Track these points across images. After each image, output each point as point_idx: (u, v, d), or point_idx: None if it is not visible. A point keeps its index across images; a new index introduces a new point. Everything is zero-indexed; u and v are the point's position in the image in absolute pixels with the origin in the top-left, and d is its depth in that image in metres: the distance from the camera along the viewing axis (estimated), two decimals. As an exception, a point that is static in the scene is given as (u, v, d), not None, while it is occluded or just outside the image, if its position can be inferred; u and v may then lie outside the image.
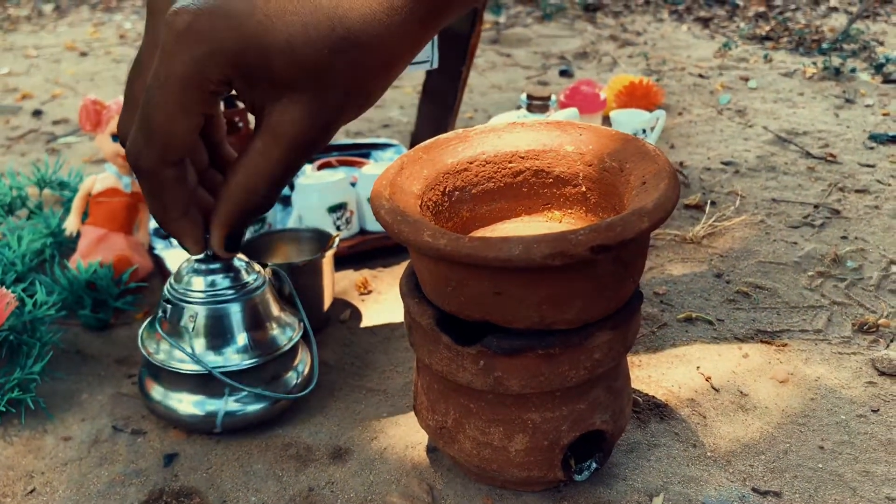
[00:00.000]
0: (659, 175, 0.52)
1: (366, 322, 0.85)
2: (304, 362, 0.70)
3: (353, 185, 0.99)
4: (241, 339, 0.65)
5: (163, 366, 0.64)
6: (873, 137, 1.39)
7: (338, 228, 0.95)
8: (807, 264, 0.95)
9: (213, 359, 0.64)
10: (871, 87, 1.72)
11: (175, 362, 0.64)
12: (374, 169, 1.00)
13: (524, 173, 0.62)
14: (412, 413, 0.69)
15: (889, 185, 1.19)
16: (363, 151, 1.21)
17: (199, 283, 0.65)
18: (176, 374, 0.64)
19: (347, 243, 0.95)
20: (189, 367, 0.63)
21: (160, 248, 0.94)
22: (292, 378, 0.68)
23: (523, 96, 1.13)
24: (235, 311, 0.65)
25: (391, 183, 0.55)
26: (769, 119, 1.52)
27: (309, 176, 0.97)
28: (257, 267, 0.69)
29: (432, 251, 0.48)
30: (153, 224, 0.97)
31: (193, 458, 0.64)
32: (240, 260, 0.68)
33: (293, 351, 0.69)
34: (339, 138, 1.42)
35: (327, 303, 0.82)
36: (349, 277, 0.94)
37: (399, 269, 0.96)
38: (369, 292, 0.91)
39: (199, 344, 0.64)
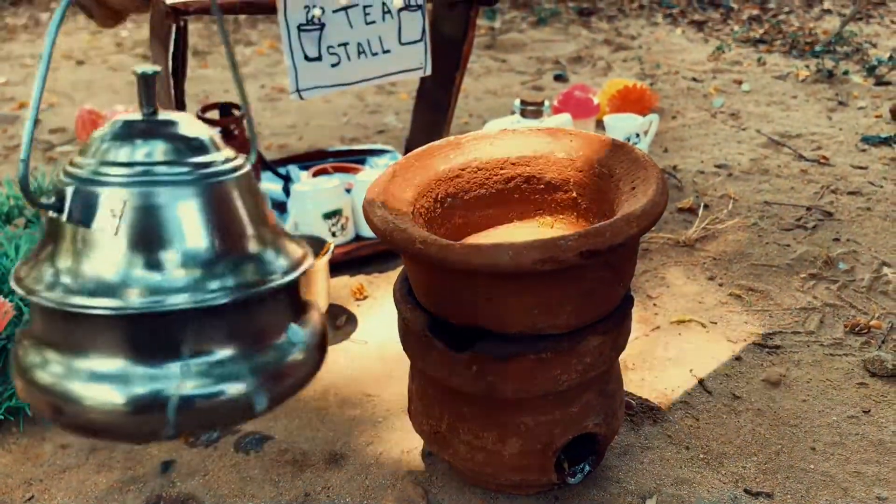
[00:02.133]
0: (648, 180, 0.53)
1: (361, 327, 0.86)
2: (313, 324, 0.44)
3: (348, 191, 1.00)
4: (201, 247, 0.38)
5: (61, 307, 0.37)
6: (866, 139, 1.40)
7: (333, 235, 0.96)
8: (799, 266, 0.96)
9: (147, 279, 0.37)
10: (864, 90, 1.73)
11: (85, 297, 0.37)
12: (369, 175, 1.01)
13: (516, 180, 0.63)
14: (407, 418, 0.69)
15: (881, 186, 1.20)
16: (359, 158, 1.21)
17: (125, 153, 0.40)
18: (89, 320, 0.37)
19: (343, 249, 0.96)
20: (112, 302, 0.37)
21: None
22: (294, 349, 0.41)
23: (517, 102, 1.14)
24: (190, 203, 0.39)
25: (384, 190, 0.56)
26: (762, 122, 1.53)
27: (304, 183, 0.97)
28: (232, 152, 0.43)
29: (424, 258, 0.49)
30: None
31: (190, 465, 0.65)
32: (200, 126, 0.42)
33: (291, 294, 0.42)
34: (335, 145, 1.43)
35: (323, 309, 0.83)
36: (345, 283, 0.94)
37: (395, 275, 0.97)
38: (365, 298, 0.92)
39: (126, 257, 0.39)
